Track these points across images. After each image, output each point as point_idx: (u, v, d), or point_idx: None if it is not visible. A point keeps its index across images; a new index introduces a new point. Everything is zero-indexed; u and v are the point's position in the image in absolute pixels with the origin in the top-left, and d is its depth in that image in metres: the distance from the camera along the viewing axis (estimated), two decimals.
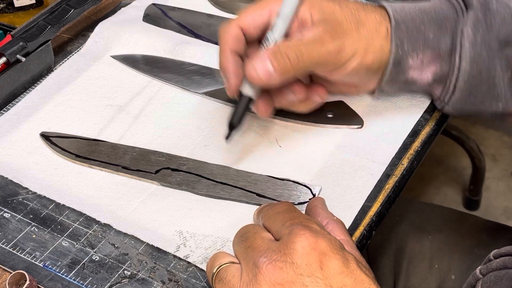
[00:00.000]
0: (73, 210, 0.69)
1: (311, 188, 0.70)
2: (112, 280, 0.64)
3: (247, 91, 0.71)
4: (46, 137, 0.76)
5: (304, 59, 0.68)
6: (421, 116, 0.78)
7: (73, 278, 0.64)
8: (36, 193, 0.71)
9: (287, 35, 0.71)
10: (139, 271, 0.64)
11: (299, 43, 0.69)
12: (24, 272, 0.62)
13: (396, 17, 0.71)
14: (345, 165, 0.73)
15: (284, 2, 0.70)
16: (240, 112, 0.71)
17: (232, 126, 0.71)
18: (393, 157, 0.73)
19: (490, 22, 0.71)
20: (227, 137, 0.72)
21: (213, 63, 0.85)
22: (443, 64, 0.73)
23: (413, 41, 0.71)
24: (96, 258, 0.65)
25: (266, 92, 0.72)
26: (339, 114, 0.78)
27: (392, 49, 0.71)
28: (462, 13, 0.72)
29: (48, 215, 0.69)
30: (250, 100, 0.71)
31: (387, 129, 0.77)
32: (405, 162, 0.73)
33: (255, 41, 0.72)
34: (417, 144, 0.75)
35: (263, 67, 0.68)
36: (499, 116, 0.76)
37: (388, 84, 0.74)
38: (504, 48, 0.71)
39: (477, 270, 0.67)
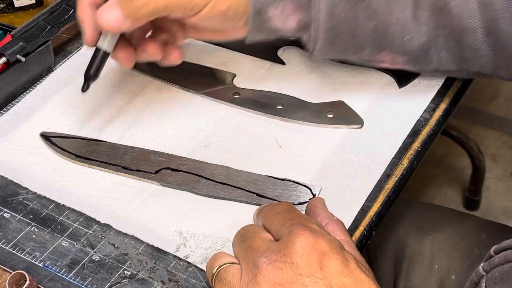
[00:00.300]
0: (73, 210, 0.69)
1: (311, 188, 0.70)
2: (112, 280, 0.64)
3: (102, 44, 0.71)
4: (46, 137, 0.76)
5: (152, 1, 0.67)
6: (421, 116, 0.78)
7: (73, 278, 0.64)
8: (36, 193, 0.71)
9: None
10: (139, 271, 0.64)
11: None
12: (24, 272, 0.62)
13: None
14: (345, 165, 0.73)
15: None
16: (96, 64, 0.72)
17: (88, 77, 0.72)
18: (393, 157, 0.73)
19: None
20: (83, 88, 0.72)
21: (213, 63, 0.85)
22: (305, 14, 0.73)
23: None
24: (96, 258, 0.65)
25: (128, 42, 0.73)
26: (339, 114, 0.78)
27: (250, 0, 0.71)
28: None
29: (48, 215, 0.69)
30: (106, 53, 0.72)
31: (387, 129, 0.77)
32: (405, 162, 0.73)
33: None
34: (417, 144, 0.75)
35: (112, 13, 0.67)
36: (366, 62, 0.77)
37: (253, 32, 0.74)
38: None
39: (480, 267, 0.66)
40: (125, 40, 0.73)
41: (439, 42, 0.73)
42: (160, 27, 0.75)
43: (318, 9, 0.72)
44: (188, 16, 0.70)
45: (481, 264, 0.66)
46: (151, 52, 0.73)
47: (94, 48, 0.72)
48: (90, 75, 0.72)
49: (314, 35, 0.74)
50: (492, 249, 0.66)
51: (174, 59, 0.75)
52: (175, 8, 0.69)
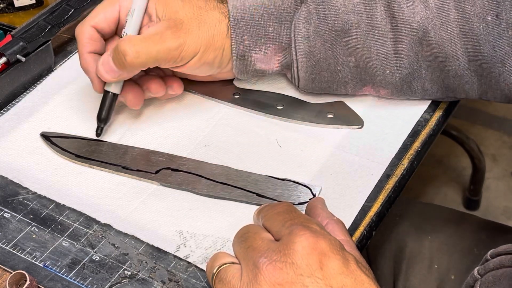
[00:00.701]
0: (73, 210, 0.69)
1: (311, 188, 0.70)
2: (112, 280, 0.64)
3: (109, 87, 0.74)
4: (46, 137, 0.76)
5: (142, 55, 0.70)
6: (421, 117, 0.78)
7: (73, 278, 0.64)
8: (36, 193, 0.71)
9: (140, 31, 0.73)
10: (139, 271, 0.64)
11: (139, 40, 0.71)
12: (24, 272, 0.62)
13: (235, 14, 0.73)
14: (345, 165, 0.73)
15: None
16: (106, 107, 0.75)
17: (100, 120, 0.75)
18: (393, 157, 0.73)
19: (324, 14, 0.73)
20: (98, 132, 0.75)
21: None
22: (286, 55, 0.75)
23: (254, 36, 0.74)
24: (96, 258, 0.65)
25: (135, 83, 0.75)
26: (339, 114, 0.78)
27: (232, 46, 0.74)
28: (300, 4, 0.74)
29: (48, 215, 0.69)
30: (114, 94, 0.74)
31: (387, 129, 0.77)
32: (405, 162, 0.73)
33: (115, 35, 0.75)
34: (417, 144, 0.75)
35: (107, 64, 0.71)
36: (352, 95, 0.79)
37: (240, 74, 0.77)
38: (343, 37, 0.73)
39: (475, 271, 0.67)
40: (131, 81, 0.75)
41: (422, 74, 0.74)
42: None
43: (297, 50, 0.74)
44: (177, 66, 0.73)
45: (477, 268, 0.67)
46: (155, 90, 0.76)
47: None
48: (102, 118, 0.75)
49: (296, 75, 0.76)
50: (489, 253, 0.66)
51: (175, 89, 0.77)
52: (165, 61, 0.71)
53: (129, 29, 0.73)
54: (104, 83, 0.74)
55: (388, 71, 0.74)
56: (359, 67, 0.74)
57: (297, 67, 0.75)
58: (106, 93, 0.75)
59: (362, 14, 0.72)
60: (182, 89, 0.78)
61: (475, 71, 0.73)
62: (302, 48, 0.74)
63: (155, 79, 0.76)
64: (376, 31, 0.73)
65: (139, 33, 0.73)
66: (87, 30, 0.73)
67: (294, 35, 0.73)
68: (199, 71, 0.75)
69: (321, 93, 0.79)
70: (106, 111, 0.75)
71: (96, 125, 0.76)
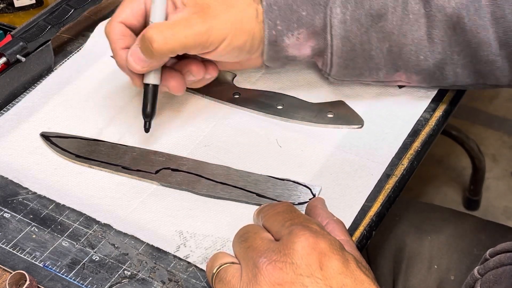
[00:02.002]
0: (73, 210, 0.69)
1: (311, 188, 0.70)
2: (112, 280, 0.64)
3: (148, 79, 0.73)
4: (46, 137, 0.76)
5: (170, 41, 0.68)
6: (421, 116, 0.78)
7: (73, 278, 0.64)
8: (36, 193, 0.71)
9: (166, 18, 0.72)
10: (139, 271, 0.64)
11: (166, 26, 0.69)
12: (24, 272, 0.62)
13: None
14: (345, 165, 0.73)
15: None
16: (150, 100, 0.73)
17: (147, 115, 0.73)
18: (393, 157, 0.73)
19: None
20: (146, 127, 0.74)
21: None
22: (320, 40, 0.74)
23: (286, 21, 0.72)
24: (96, 258, 0.65)
25: (174, 70, 0.74)
26: (339, 114, 0.78)
27: (265, 31, 0.72)
28: None
29: (48, 215, 0.69)
30: (155, 86, 0.73)
31: (387, 129, 0.77)
32: (405, 162, 0.73)
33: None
34: (417, 144, 0.75)
35: (135, 54, 0.70)
36: (381, 83, 0.78)
37: (270, 61, 0.75)
38: (378, 21, 0.73)
39: (475, 271, 0.67)
40: (170, 68, 0.74)
41: (455, 58, 0.74)
42: None
43: (333, 35, 0.73)
44: (206, 52, 0.71)
45: (476, 267, 0.67)
46: (196, 71, 0.74)
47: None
48: (148, 113, 0.73)
49: (329, 61, 0.75)
50: (488, 252, 0.66)
51: (211, 72, 0.76)
52: (193, 47, 0.70)
53: (155, 17, 0.71)
54: (143, 77, 0.73)
55: (422, 57, 0.74)
56: (393, 52, 0.74)
57: (331, 53, 0.74)
58: (146, 86, 0.73)
59: None
60: (218, 72, 0.76)
61: (506, 56, 0.73)
62: (339, 32, 0.73)
63: (193, 61, 0.74)
64: (411, 16, 0.72)
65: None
66: (116, 27, 0.72)
67: (330, 19, 0.72)
68: (229, 56, 0.73)
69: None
70: (151, 104, 0.73)
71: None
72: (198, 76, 0.75)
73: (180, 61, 0.75)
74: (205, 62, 0.75)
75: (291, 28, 0.73)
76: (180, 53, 0.71)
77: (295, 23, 0.73)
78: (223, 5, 0.71)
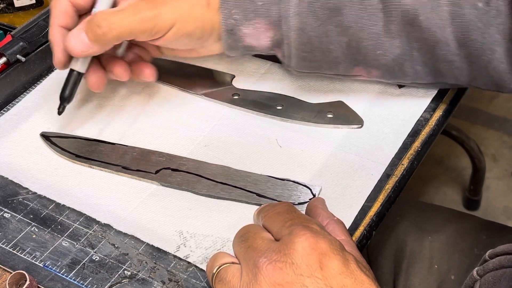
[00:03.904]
0: (73, 210, 0.69)
1: (311, 188, 0.70)
2: (112, 280, 0.64)
3: (75, 65, 0.73)
4: (46, 137, 0.76)
5: (117, 27, 0.69)
6: (421, 116, 0.78)
7: (73, 278, 0.64)
8: (36, 193, 0.71)
9: (115, 4, 0.72)
10: (139, 271, 0.64)
11: (113, 12, 0.70)
12: (24, 272, 0.62)
13: None
14: (345, 165, 0.73)
15: None
16: (70, 85, 0.73)
17: (63, 99, 0.74)
18: (393, 157, 0.73)
19: None
20: (59, 110, 0.74)
21: (212, 64, 0.85)
22: (277, 31, 0.74)
23: (243, 10, 0.72)
24: (96, 258, 0.65)
25: (99, 65, 0.74)
26: (339, 114, 0.78)
27: (221, 19, 0.72)
28: None
29: (48, 215, 0.69)
30: (80, 74, 0.73)
31: (387, 129, 0.77)
32: (405, 162, 0.73)
33: (90, 13, 0.73)
34: (417, 144, 0.75)
35: (79, 38, 0.69)
36: (342, 76, 0.78)
37: (229, 50, 0.75)
38: (335, 15, 0.73)
39: (474, 272, 0.67)
40: (96, 62, 0.74)
41: (414, 55, 0.74)
42: (134, 43, 0.75)
43: (288, 26, 0.73)
44: (154, 39, 0.71)
45: (476, 269, 0.67)
46: (118, 73, 0.75)
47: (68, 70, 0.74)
48: (65, 97, 0.74)
49: (287, 52, 0.75)
50: (487, 253, 0.66)
51: (146, 76, 0.76)
52: (140, 33, 0.70)
53: (102, 3, 0.71)
54: (69, 61, 0.73)
55: (380, 51, 0.74)
56: (351, 46, 0.74)
57: (288, 44, 0.74)
58: (71, 71, 0.73)
59: None
60: (155, 77, 0.77)
61: (465, 57, 0.72)
62: (293, 24, 0.72)
63: (120, 62, 0.75)
64: (368, 10, 0.72)
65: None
66: (62, 2, 0.72)
67: (286, 10, 0.72)
68: (179, 43, 0.73)
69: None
70: (70, 89, 0.73)
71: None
72: (119, 78, 0.75)
73: (107, 58, 0.74)
74: (142, 65, 0.76)
75: (248, 18, 0.73)
76: (127, 39, 0.71)
77: (252, 13, 0.72)
78: None
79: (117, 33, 0.69)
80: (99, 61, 0.75)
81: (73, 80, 0.73)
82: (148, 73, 0.76)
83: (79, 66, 0.73)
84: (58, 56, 0.72)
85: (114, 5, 0.72)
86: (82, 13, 0.74)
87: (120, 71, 0.74)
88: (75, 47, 0.70)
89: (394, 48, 0.73)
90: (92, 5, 0.73)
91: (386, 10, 0.72)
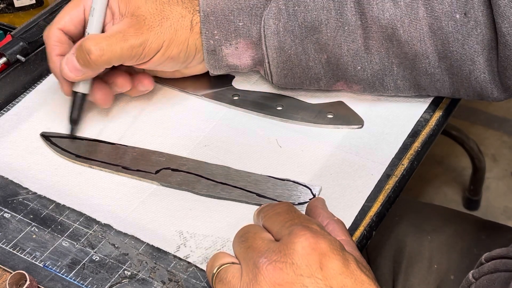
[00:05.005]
0: (73, 210, 0.69)
1: (311, 188, 0.70)
2: (112, 280, 0.64)
3: (77, 88, 0.75)
4: (46, 137, 0.76)
5: (106, 53, 0.70)
6: (421, 117, 0.78)
7: (73, 278, 0.64)
8: (36, 193, 0.71)
9: (103, 28, 0.74)
10: (139, 271, 0.64)
11: (102, 38, 0.71)
12: (24, 272, 0.62)
13: (205, 9, 0.74)
14: (345, 165, 0.73)
15: None
16: (77, 108, 0.75)
17: (73, 122, 0.76)
18: (393, 157, 0.73)
19: (294, 11, 0.73)
20: (72, 132, 0.76)
21: None
22: (258, 50, 0.75)
23: (224, 31, 0.74)
24: (96, 258, 0.65)
25: (103, 82, 0.76)
26: (339, 114, 0.78)
27: (203, 40, 0.74)
28: (271, 0, 0.74)
29: (48, 215, 0.69)
30: (83, 94, 0.75)
31: (387, 129, 0.77)
32: (405, 162, 0.73)
33: (82, 37, 0.75)
34: (417, 144, 0.75)
35: (71, 63, 0.71)
36: (324, 91, 0.79)
37: (212, 69, 0.77)
38: (313, 33, 0.73)
39: (470, 274, 0.67)
40: (100, 80, 0.76)
41: (394, 70, 0.74)
42: None
43: (268, 45, 0.74)
44: (141, 63, 0.73)
45: (471, 271, 0.67)
46: (121, 84, 0.76)
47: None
48: (74, 119, 0.76)
49: (268, 70, 0.76)
50: (483, 256, 0.67)
51: (146, 85, 0.78)
52: (129, 58, 0.72)
53: (91, 28, 0.73)
54: (73, 85, 0.74)
55: (359, 67, 0.74)
56: (330, 63, 0.75)
57: (269, 63, 0.75)
58: (74, 94, 0.75)
59: (331, 10, 0.73)
60: (153, 85, 0.78)
61: (446, 69, 0.73)
62: (272, 43, 0.74)
63: (120, 73, 0.76)
64: (346, 28, 0.73)
65: (103, 31, 0.74)
66: (54, 33, 0.74)
67: (264, 31, 0.74)
68: (164, 66, 0.75)
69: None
70: (77, 112, 0.75)
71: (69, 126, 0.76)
72: (123, 89, 0.77)
73: (108, 73, 0.76)
74: (140, 75, 0.77)
75: (228, 38, 0.74)
76: (116, 64, 0.73)
77: (233, 33, 0.74)
78: (158, 17, 0.73)
79: (107, 59, 0.71)
80: (101, 77, 0.76)
81: (78, 102, 0.75)
82: (147, 82, 0.78)
83: (81, 88, 0.75)
84: (63, 84, 0.74)
85: (103, 28, 0.74)
86: (76, 39, 0.75)
87: (122, 82, 0.76)
88: (69, 74, 0.72)
89: (374, 64, 0.74)
90: (84, 30, 0.74)
91: (365, 26, 0.72)
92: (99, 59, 0.70)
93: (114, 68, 0.76)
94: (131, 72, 0.78)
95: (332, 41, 0.73)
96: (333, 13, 0.72)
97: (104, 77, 0.76)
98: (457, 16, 0.70)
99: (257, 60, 0.76)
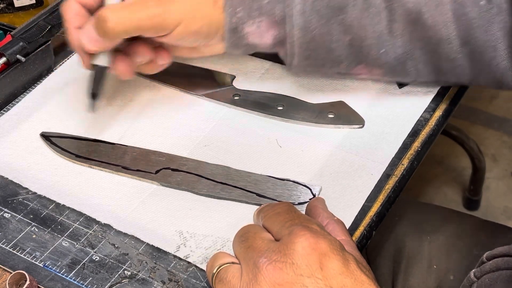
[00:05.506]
0: (73, 210, 0.69)
1: (311, 188, 0.70)
2: (112, 280, 0.64)
3: (97, 60, 0.73)
4: (46, 137, 0.76)
5: (124, 22, 0.69)
6: (421, 116, 0.78)
7: (73, 278, 0.64)
8: (36, 193, 0.71)
9: None
10: (139, 271, 0.64)
11: (121, 7, 0.70)
12: (24, 272, 0.62)
13: None
14: (345, 165, 0.73)
15: None
16: (97, 81, 0.74)
17: (93, 96, 0.74)
18: (393, 157, 0.73)
19: None
20: (91, 108, 0.74)
21: (212, 65, 0.85)
22: (281, 29, 0.74)
23: (247, 9, 0.73)
24: (96, 258, 0.65)
25: (123, 54, 0.74)
26: (340, 114, 0.78)
27: (226, 18, 0.73)
28: None
29: (48, 215, 0.69)
30: (103, 67, 0.73)
31: (387, 129, 0.77)
32: (405, 162, 0.73)
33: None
34: (417, 144, 0.75)
35: (89, 34, 0.70)
36: (343, 75, 0.78)
37: (231, 48, 0.76)
38: (338, 14, 0.73)
39: (471, 273, 0.67)
40: (121, 52, 0.74)
41: (416, 54, 0.74)
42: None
43: (292, 25, 0.73)
44: (160, 36, 0.72)
45: (473, 270, 0.67)
46: (142, 52, 0.74)
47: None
48: (94, 93, 0.74)
49: (290, 51, 0.75)
50: (485, 255, 0.67)
51: (165, 58, 0.76)
52: (147, 29, 0.70)
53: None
54: (92, 58, 0.73)
55: (383, 50, 0.74)
56: (354, 45, 0.74)
57: (292, 43, 0.74)
58: (94, 67, 0.73)
59: None
60: (171, 59, 0.77)
61: (467, 55, 0.73)
62: (297, 23, 0.73)
63: (141, 43, 0.74)
64: (371, 9, 0.72)
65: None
66: (72, 6, 0.73)
67: (290, 9, 0.73)
68: (185, 41, 0.74)
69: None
70: (97, 85, 0.74)
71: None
72: (145, 57, 0.74)
73: (129, 45, 0.74)
74: (158, 49, 0.75)
75: (252, 16, 0.73)
76: (135, 35, 0.71)
77: (256, 11, 0.73)
78: None
79: (125, 28, 0.69)
80: (122, 50, 0.74)
81: (98, 75, 0.74)
82: (166, 55, 0.76)
83: (100, 60, 0.73)
84: (82, 57, 0.73)
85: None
86: (93, 11, 0.73)
87: (143, 50, 0.74)
88: (87, 45, 0.70)
89: (397, 47, 0.73)
90: (101, 1, 0.73)
91: (389, 8, 0.72)
92: (116, 28, 0.68)
93: (134, 39, 0.74)
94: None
95: (357, 23, 0.73)
96: None
97: (125, 49, 0.74)
98: (481, 2, 0.70)
99: (278, 39, 0.75)
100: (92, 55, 0.73)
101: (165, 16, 0.70)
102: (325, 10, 0.73)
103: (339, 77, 0.80)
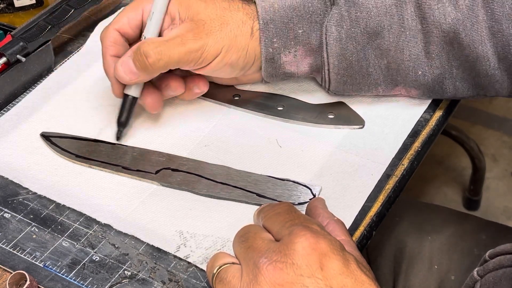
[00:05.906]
0: (74, 210, 0.69)
1: (311, 188, 0.70)
2: (113, 280, 0.64)
3: (129, 91, 0.74)
4: (46, 137, 0.76)
5: (164, 57, 0.70)
6: (421, 117, 0.78)
7: (73, 278, 0.64)
8: (36, 193, 0.71)
9: (161, 33, 0.73)
10: (139, 271, 0.64)
11: (160, 42, 0.71)
12: (24, 272, 0.62)
13: (264, 17, 0.73)
14: (345, 165, 0.73)
15: (154, 1, 0.72)
16: (126, 110, 0.75)
17: (120, 124, 0.75)
18: (393, 157, 0.73)
19: (356, 17, 0.73)
20: (118, 136, 0.75)
21: None
22: (317, 57, 0.75)
23: (283, 39, 0.73)
24: (96, 258, 0.65)
25: (154, 87, 0.75)
26: (340, 114, 0.78)
27: (262, 48, 0.73)
28: (331, 6, 0.74)
29: (49, 215, 0.69)
30: (134, 98, 0.74)
31: (387, 129, 0.77)
32: (405, 162, 0.73)
33: (138, 40, 0.74)
34: (417, 144, 0.75)
35: (127, 66, 0.71)
36: (382, 95, 0.79)
37: (269, 78, 0.77)
38: (374, 39, 0.73)
39: (475, 272, 0.67)
40: (150, 84, 0.75)
41: (453, 73, 0.74)
42: None
43: (329, 52, 0.73)
44: (199, 68, 0.72)
45: (476, 269, 0.67)
46: (175, 87, 0.75)
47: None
48: (122, 122, 0.75)
49: (327, 77, 0.76)
50: (487, 253, 0.66)
51: (202, 87, 0.77)
52: (186, 62, 0.71)
53: (149, 32, 0.72)
54: (124, 87, 0.74)
55: (420, 72, 0.74)
56: (391, 68, 0.75)
57: (328, 70, 0.75)
58: (125, 96, 0.74)
59: (394, 16, 0.72)
60: (208, 87, 0.77)
61: (505, 70, 0.73)
62: (334, 50, 0.73)
63: (174, 76, 0.75)
64: (407, 33, 0.73)
65: (160, 36, 0.73)
66: (111, 34, 0.73)
67: (326, 38, 0.73)
68: (222, 72, 0.75)
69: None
70: (126, 114, 0.75)
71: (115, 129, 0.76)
72: (176, 91, 0.76)
73: (160, 78, 0.75)
74: (195, 77, 0.76)
75: (288, 46, 0.74)
76: (173, 68, 0.72)
77: (292, 41, 0.73)
78: (217, 22, 0.72)
79: (165, 63, 0.70)
80: (152, 82, 0.75)
81: (128, 105, 0.74)
82: (203, 84, 0.77)
83: (132, 91, 0.74)
84: (114, 85, 0.74)
85: (160, 32, 0.73)
86: (131, 42, 0.75)
87: (176, 85, 0.75)
88: (124, 76, 0.71)
89: (434, 68, 0.74)
90: (140, 33, 0.74)
91: (426, 31, 0.72)
92: (157, 63, 0.70)
93: (167, 71, 0.74)
94: (185, 74, 0.77)
95: (394, 46, 0.73)
96: (395, 18, 0.72)
97: (157, 81, 0.75)
98: None
99: (315, 67, 0.76)
100: (124, 84, 0.73)
101: (203, 50, 0.71)
102: (361, 36, 0.73)
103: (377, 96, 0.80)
